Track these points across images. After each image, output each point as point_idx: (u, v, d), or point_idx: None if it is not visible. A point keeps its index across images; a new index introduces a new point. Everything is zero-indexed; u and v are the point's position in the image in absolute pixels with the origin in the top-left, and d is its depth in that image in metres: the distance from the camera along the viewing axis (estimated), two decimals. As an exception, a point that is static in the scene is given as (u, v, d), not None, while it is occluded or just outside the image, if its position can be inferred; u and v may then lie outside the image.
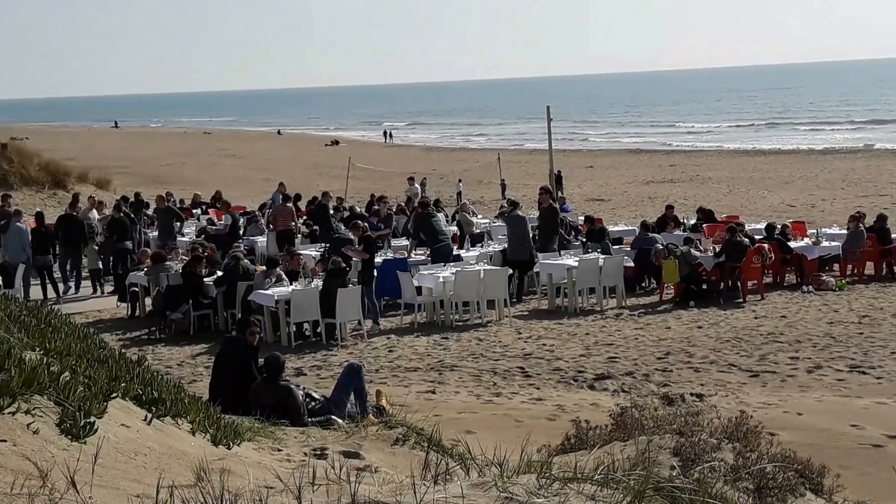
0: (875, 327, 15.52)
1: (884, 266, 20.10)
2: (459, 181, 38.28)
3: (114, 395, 4.69)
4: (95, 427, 3.99)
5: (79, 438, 3.88)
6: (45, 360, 4.64)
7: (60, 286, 20.11)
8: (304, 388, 9.72)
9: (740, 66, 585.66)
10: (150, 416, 4.97)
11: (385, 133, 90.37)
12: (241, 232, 23.40)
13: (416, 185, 32.28)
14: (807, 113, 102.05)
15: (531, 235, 19.39)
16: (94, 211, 23.13)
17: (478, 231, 24.15)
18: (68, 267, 20.69)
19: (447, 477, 3.64)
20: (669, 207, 24.06)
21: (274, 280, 16.19)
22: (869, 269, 20.19)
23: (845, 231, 20.40)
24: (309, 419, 8.85)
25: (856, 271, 20.04)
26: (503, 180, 40.09)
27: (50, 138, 75.17)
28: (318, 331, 15.89)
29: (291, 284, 16.08)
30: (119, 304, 18.82)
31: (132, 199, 25.97)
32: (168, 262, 17.86)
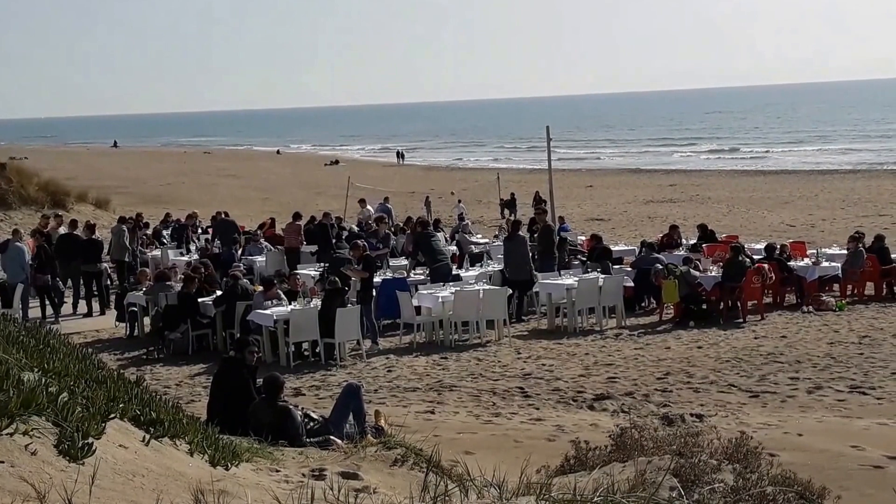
0: (875, 348, 15.48)
1: (884, 286, 20.09)
2: (459, 201, 38.31)
3: (112, 415, 4.68)
4: (93, 448, 3.97)
5: (77, 459, 3.86)
6: (43, 380, 4.62)
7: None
8: (302, 409, 9.70)
9: (733, 86, 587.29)
10: (148, 436, 4.95)
11: (398, 154, 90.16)
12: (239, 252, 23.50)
13: (368, 208, 30.40)
14: (805, 133, 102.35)
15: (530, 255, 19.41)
16: (61, 229, 22.95)
17: (477, 251, 24.17)
18: (69, 285, 20.71)
19: (446, 498, 3.63)
20: (674, 227, 24.02)
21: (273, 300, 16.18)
22: (869, 289, 20.16)
23: (845, 251, 20.39)
24: (307, 439, 8.82)
25: (856, 291, 20.02)
26: (502, 199, 40.19)
27: (49, 158, 75.25)
28: (316, 351, 15.86)
29: (290, 304, 16.06)
30: (117, 323, 18.79)
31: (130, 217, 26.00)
32: (169, 283, 17.85)
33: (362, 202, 30.81)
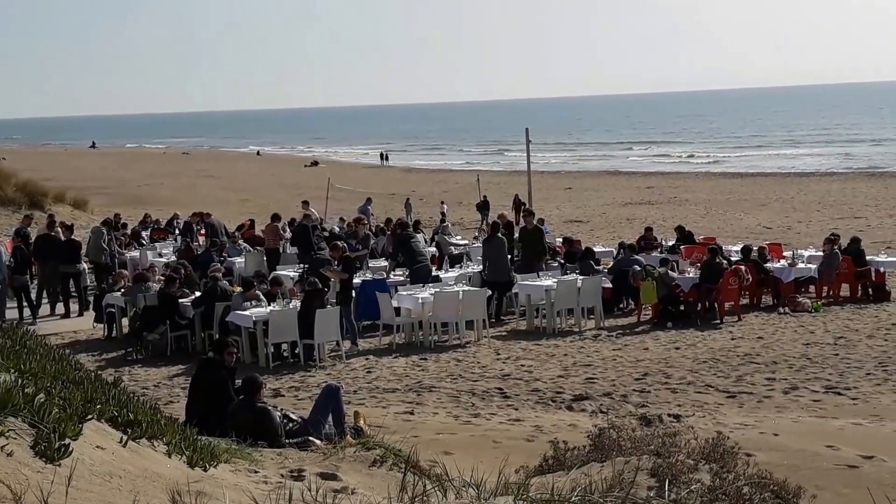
0: (850, 348, 15.60)
1: (859, 288, 20.25)
2: (442, 202, 38.20)
3: (89, 416, 4.66)
4: (70, 449, 3.96)
5: (53, 461, 3.85)
6: (19, 381, 4.60)
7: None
8: (281, 409, 9.68)
9: (712, 89, 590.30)
10: (125, 437, 4.94)
11: (381, 155, 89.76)
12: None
13: (312, 210, 28.91)
14: (781, 136, 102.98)
15: (510, 256, 19.44)
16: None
17: (457, 252, 24.17)
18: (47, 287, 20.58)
19: (424, 498, 3.64)
20: (648, 229, 24.14)
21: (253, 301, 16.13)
22: (844, 290, 20.32)
23: (821, 253, 20.54)
24: (286, 440, 8.81)
25: (831, 293, 20.17)
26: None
27: (27, 158, 74.78)
28: (296, 352, 15.82)
29: (270, 305, 16.02)
30: (95, 325, 18.69)
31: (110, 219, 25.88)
32: (147, 283, 17.76)
33: (305, 204, 29.68)
